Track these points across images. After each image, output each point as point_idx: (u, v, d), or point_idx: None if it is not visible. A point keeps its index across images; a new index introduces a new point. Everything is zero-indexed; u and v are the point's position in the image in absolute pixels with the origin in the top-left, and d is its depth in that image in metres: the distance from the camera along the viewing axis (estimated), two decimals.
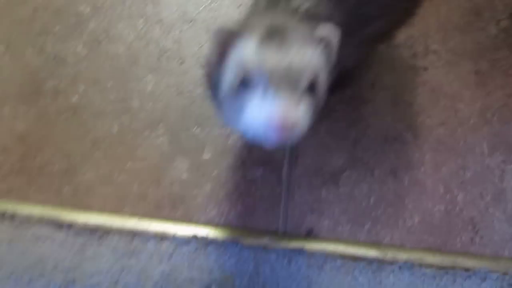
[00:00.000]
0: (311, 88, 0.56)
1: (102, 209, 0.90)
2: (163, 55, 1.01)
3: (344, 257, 0.86)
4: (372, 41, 0.82)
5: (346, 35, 0.63)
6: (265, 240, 0.86)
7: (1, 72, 1.00)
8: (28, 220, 0.88)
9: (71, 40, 1.03)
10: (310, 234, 0.88)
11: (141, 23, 1.04)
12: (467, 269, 0.85)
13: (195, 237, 0.86)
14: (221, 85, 0.60)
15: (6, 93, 0.98)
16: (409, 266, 0.85)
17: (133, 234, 0.87)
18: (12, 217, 0.88)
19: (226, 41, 0.59)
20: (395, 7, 0.79)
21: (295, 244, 0.86)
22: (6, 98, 0.98)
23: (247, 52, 0.57)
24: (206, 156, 0.93)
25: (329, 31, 0.60)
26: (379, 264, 0.85)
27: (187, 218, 0.90)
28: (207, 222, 0.89)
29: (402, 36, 1.00)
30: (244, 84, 0.56)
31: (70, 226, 0.87)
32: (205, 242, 0.86)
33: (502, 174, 0.93)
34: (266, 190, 0.91)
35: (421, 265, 0.85)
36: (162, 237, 0.87)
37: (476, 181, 0.92)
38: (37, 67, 1.00)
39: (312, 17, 0.64)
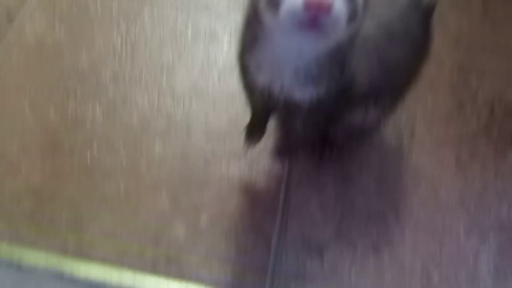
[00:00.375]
0: None
1: (103, 261, 0.97)
2: (172, 124, 1.11)
3: None
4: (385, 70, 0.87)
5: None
6: None
7: (24, 128, 1.10)
8: (33, 269, 0.94)
9: (90, 103, 1.13)
10: None
11: (155, 93, 1.15)
12: None
13: None
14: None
15: (26, 147, 1.08)
16: None
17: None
18: (18, 266, 0.95)
19: None
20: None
21: None
22: (26, 152, 1.07)
23: None
24: (203, 220, 1.01)
25: None
26: None
27: (180, 275, 0.96)
28: (198, 280, 0.95)
29: (390, 120, 1.10)
30: None
31: (71, 277, 0.94)
32: None
33: (476, 256, 1.00)
34: (255, 256, 0.98)
35: None
36: None
37: (452, 262, 0.99)
38: (57, 126, 1.11)
39: None
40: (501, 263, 0.99)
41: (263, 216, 1.01)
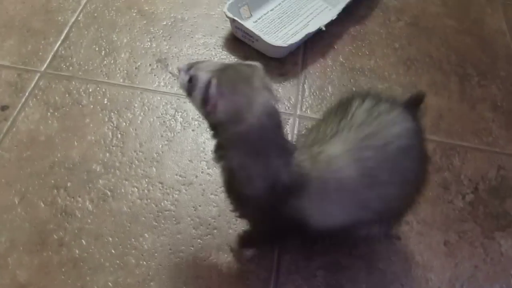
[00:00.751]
0: (190, 80, 0.85)
1: None
2: (161, 215, 1.12)
3: None
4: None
5: None
6: None
7: (12, 223, 1.10)
8: None
9: (81, 196, 1.14)
10: None
11: (145, 184, 1.17)
12: None
13: None
14: None
15: (14, 243, 1.07)
16: None
17: None
18: None
19: None
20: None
21: None
22: (13, 248, 1.06)
23: None
24: None
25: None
26: None
27: None
28: None
29: None
30: None
31: None
32: None
33: None
34: None
35: None
36: None
37: None
38: (46, 219, 1.11)
39: None
40: None
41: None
